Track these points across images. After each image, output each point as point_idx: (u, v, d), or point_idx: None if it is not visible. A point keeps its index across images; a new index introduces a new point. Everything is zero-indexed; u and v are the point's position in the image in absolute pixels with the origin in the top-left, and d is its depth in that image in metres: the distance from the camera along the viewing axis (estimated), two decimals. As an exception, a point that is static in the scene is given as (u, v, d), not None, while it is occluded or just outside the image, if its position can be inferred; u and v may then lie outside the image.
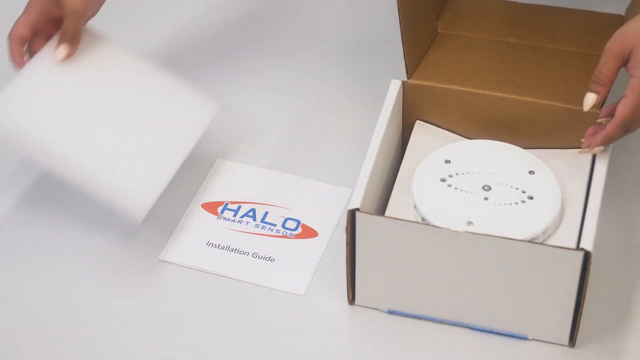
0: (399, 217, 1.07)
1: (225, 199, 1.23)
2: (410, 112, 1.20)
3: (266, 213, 1.21)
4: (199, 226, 1.20)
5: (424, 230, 1.05)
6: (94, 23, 1.21)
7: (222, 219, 1.21)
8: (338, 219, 1.20)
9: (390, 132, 1.15)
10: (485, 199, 1.10)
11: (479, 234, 1.02)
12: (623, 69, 1.07)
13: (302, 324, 1.11)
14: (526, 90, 1.17)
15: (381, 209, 1.13)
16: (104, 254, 1.17)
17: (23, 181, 1.24)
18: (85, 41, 1.19)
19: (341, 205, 1.21)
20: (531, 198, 1.10)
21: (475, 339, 1.09)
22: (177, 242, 1.18)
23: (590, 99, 1.08)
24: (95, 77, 1.19)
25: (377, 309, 1.11)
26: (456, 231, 1.03)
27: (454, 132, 1.20)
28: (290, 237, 1.19)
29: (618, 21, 1.27)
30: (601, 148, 1.08)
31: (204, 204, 1.22)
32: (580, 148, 1.10)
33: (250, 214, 1.21)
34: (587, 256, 1.01)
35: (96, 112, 1.17)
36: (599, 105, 1.09)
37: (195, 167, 1.25)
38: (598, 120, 1.09)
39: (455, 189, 1.11)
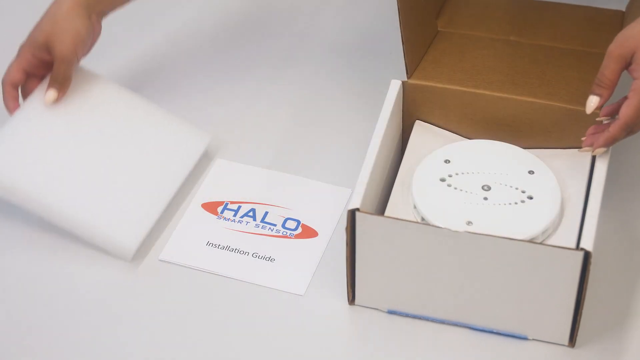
0: (399, 217, 1.07)
1: (225, 199, 1.23)
2: (410, 112, 1.20)
3: (266, 213, 1.21)
4: (199, 226, 1.20)
5: (424, 230, 1.05)
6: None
7: (222, 219, 1.21)
8: (338, 219, 1.20)
9: (390, 132, 1.15)
10: (485, 199, 1.10)
11: (479, 234, 1.02)
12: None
13: (302, 324, 1.11)
14: (526, 90, 1.17)
15: (381, 209, 1.13)
16: (104, 254, 1.17)
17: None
18: (77, 80, 1.22)
19: (341, 205, 1.21)
20: (531, 198, 1.10)
21: (475, 339, 1.09)
22: (177, 242, 1.18)
23: (592, 102, 1.08)
24: (85, 117, 1.21)
25: (377, 309, 1.11)
26: (456, 231, 1.03)
27: (454, 132, 1.20)
28: (290, 237, 1.19)
29: (619, 17, 1.27)
30: (603, 149, 1.08)
31: (204, 204, 1.22)
32: (580, 148, 1.10)
33: (250, 214, 1.21)
34: (587, 256, 1.01)
35: (85, 154, 1.19)
36: (601, 107, 1.10)
37: (195, 167, 1.25)
38: (598, 120, 1.10)
39: (455, 188, 1.11)
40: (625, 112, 1.05)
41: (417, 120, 1.21)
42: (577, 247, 1.02)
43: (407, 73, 1.19)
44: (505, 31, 1.26)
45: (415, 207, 1.10)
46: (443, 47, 1.24)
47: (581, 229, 1.05)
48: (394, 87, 1.17)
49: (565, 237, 1.08)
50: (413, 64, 1.20)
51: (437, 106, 1.19)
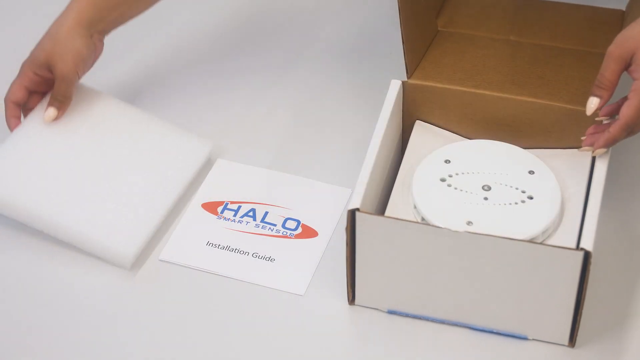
0: (399, 217, 1.07)
1: (225, 199, 1.23)
2: (410, 112, 1.20)
3: (266, 213, 1.21)
4: (199, 226, 1.20)
5: (424, 230, 1.05)
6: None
7: (222, 219, 1.21)
8: (338, 219, 1.20)
9: (390, 132, 1.15)
10: (485, 199, 1.10)
11: (479, 234, 1.02)
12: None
13: (302, 324, 1.11)
14: (526, 90, 1.17)
15: (381, 209, 1.13)
16: (104, 254, 1.17)
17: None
18: (76, 96, 1.23)
19: (341, 205, 1.21)
20: (531, 198, 1.10)
21: (475, 339, 1.09)
22: (177, 242, 1.18)
23: (593, 103, 1.08)
24: (84, 132, 1.22)
25: (377, 309, 1.11)
26: (456, 231, 1.03)
27: (454, 132, 1.20)
28: (290, 237, 1.19)
29: (619, 17, 1.27)
30: (603, 150, 1.08)
31: (204, 204, 1.22)
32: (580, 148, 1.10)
33: (250, 214, 1.21)
34: (587, 256, 1.01)
35: (84, 168, 1.19)
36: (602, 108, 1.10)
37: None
38: (597, 119, 1.10)
39: (455, 188, 1.11)
40: (626, 112, 1.05)
41: (417, 120, 1.21)
42: (577, 247, 1.02)
43: (407, 73, 1.19)
44: (505, 31, 1.26)
45: (415, 207, 1.10)
46: (443, 47, 1.24)
47: (581, 229, 1.05)
48: (394, 87, 1.17)
49: (565, 237, 1.08)
50: (413, 64, 1.20)
51: (437, 106, 1.19)
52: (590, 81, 1.09)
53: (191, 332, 1.10)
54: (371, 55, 1.40)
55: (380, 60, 1.39)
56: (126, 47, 1.31)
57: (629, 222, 1.19)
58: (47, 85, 1.23)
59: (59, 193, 1.17)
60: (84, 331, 1.11)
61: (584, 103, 1.09)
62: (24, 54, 1.23)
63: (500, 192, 1.11)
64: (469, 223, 1.08)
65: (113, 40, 1.27)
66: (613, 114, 1.09)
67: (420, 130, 1.20)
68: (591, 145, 1.09)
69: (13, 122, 1.22)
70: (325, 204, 1.22)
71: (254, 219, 1.20)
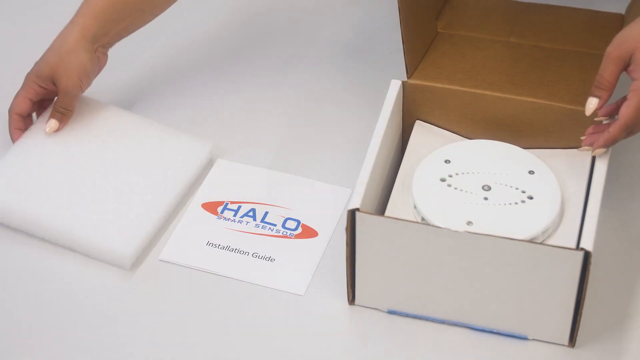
0: (399, 217, 1.07)
1: (225, 199, 1.23)
2: (410, 112, 1.20)
3: (266, 213, 1.21)
4: (199, 226, 1.20)
5: (424, 230, 1.05)
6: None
7: (222, 219, 1.21)
8: (338, 219, 1.20)
9: (390, 132, 1.15)
10: (485, 199, 1.10)
11: (479, 234, 1.02)
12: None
13: (302, 324, 1.11)
14: (526, 90, 1.17)
15: (381, 209, 1.13)
16: (104, 254, 1.17)
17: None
18: (78, 107, 1.24)
19: (341, 205, 1.21)
20: (531, 198, 1.10)
21: (475, 339, 1.09)
22: (177, 242, 1.18)
23: (592, 104, 1.08)
24: (86, 141, 1.24)
25: (377, 309, 1.11)
26: (456, 231, 1.03)
27: (454, 132, 1.20)
28: (290, 237, 1.19)
29: (618, 20, 1.27)
30: (603, 150, 1.08)
31: (204, 203, 1.22)
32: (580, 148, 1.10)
33: (250, 214, 1.21)
34: (587, 256, 1.01)
35: (85, 174, 1.20)
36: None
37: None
38: (596, 119, 1.10)
39: (455, 189, 1.11)
40: (625, 112, 1.06)
41: (417, 120, 1.21)
42: (577, 247, 1.02)
43: (407, 73, 1.19)
44: (506, 33, 1.26)
45: (415, 207, 1.10)
46: (443, 48, 1.24)
47: (581, 229, 1.05)
48: (394, 87, 1.17)
49: (565, 237, 1.08)
50: (413, 64, 1.20)
51: (437, 106, 1.19)
52: (590, 81, 1.09)
53: (191, 332, 1.10)
54: (371, 55, 1.40)
55: (380, 60, 1.39)
56: (126, 47, 1.31)
57: (629, 222, 1.19)
58: (51, 97, 1.25)
59: (60, 200, 1.18)
60: (84, 331, 1.11)
61: (583, 103, 1.09)
62: (26, 61, 1.24)
63: (500, 192, 1.11)
64: (469, 223, 1.08)
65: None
66: (612, 114, 1.09)
67: (420, 130, 1.20)
68: (591, 145, 1.09)
69: (16, 134, 1.23)
70: (325, 204, 1.22)
71: (254, 219, 1.20)
